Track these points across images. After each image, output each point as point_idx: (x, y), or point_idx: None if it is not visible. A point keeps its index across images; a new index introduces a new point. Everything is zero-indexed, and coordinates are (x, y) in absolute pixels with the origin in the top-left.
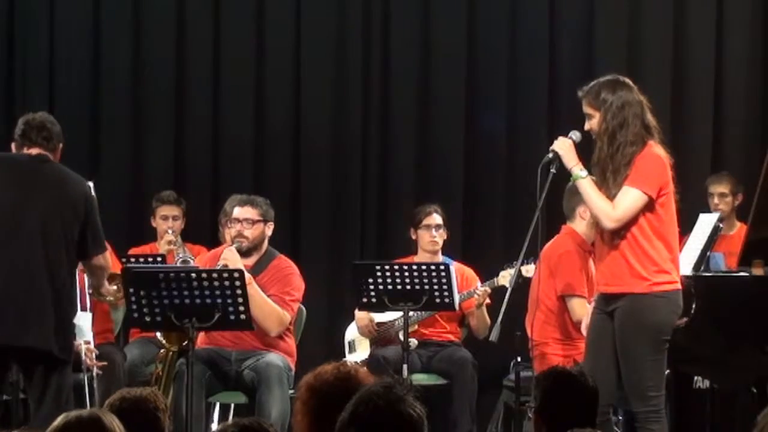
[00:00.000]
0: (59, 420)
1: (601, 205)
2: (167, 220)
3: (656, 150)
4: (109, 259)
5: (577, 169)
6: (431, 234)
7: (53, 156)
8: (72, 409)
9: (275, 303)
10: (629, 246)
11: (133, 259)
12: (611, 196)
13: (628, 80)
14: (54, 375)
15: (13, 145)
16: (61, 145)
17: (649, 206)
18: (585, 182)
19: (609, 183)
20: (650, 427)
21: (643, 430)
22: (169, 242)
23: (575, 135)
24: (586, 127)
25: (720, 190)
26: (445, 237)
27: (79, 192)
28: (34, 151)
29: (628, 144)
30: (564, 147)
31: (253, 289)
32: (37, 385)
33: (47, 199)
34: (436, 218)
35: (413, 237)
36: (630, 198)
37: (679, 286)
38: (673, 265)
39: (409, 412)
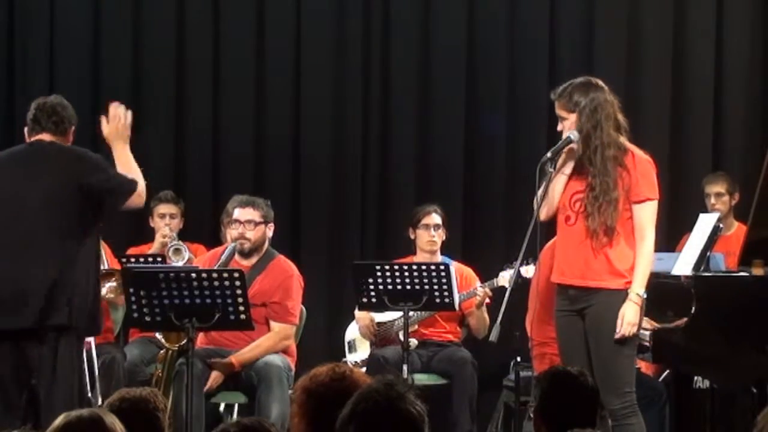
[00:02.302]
0: (59, 420)
1: (650, 250)
2: (164, 218)
3: (641, 152)
4: (143, 188)
5: (635, 292)
6: (430, 233)
7: (64, 138)
8: (84, 386)
9: (277, 318)
10: (610, 242)
11: (132, 259)
12: (611, 200)
13: (600, 81)
14: (61, 348)
15: (25, 129)
16: (73, 127)
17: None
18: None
19: (597, 186)
20: (629, 422)
21: (621, 426)
22: (164, 236)
23: (573, 135)
24: (559, 128)
25: (716, 189)
26: (444, 237)
27: (76, 162)
28: (42, 137)
29: (604, 146)
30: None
31: (253, 356)
32: (46, 365)
33: (46, 180)
34: (435, 218)
35: (412, 237)
36: (652, 212)
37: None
38: None
39: (408, 409)
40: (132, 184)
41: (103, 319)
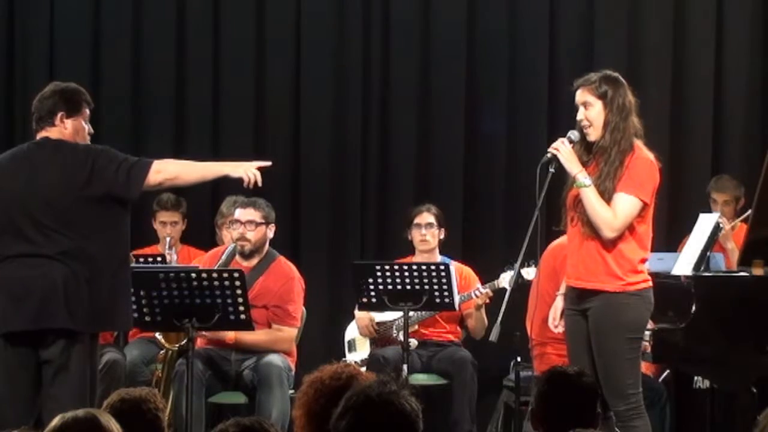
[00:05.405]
0: (56, 420)
1: (605, 215)
2: (166, 227)
3: (646, 153)
4: (164, 167)
5: (581, 176)
6: (421, 232)
7: (62, 126)
8: (96, 389)
9: (278, 321)
10: (606, 245)
11: (133, 260)
12: (604, 190)
13: (623, 79)
14: (74, 351)
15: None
16: (62, 113)
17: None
18: (589, 191)
19: (602, 174)
20: (633, 424)
21: (626, 428)
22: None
23: (574, 135)
24: (579, 117)
25: (724, 198)
26: (442, 236)
27: (78, 157)
28: (46, 133)
29: (624, 139)
30: (565, 153)
31: (251, 341)
32: (54, 365)
33: (49, 178)
34: (426, 217)
35: (409, 238)
36: (628, 206)
37: (651, 283)
38: (643, 264)
39: (402, 404)
40: (142, 167)
41: (130, 314)
